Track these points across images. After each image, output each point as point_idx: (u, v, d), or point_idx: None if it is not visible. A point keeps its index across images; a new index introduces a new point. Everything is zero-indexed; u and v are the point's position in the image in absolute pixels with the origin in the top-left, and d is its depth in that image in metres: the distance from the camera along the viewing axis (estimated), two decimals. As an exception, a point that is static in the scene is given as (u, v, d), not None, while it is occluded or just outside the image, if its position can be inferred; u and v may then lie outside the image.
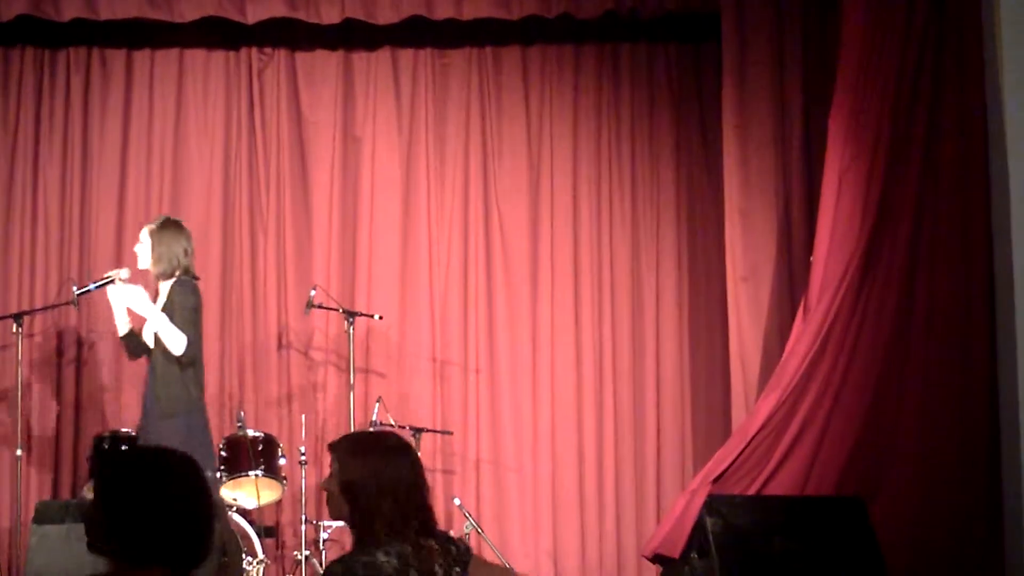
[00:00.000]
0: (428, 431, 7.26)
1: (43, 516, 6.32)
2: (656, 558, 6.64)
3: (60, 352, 7.69)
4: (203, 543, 2.60)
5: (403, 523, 3.33)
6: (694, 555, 6.35)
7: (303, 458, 7.08)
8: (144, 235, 6.53)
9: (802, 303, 6.81)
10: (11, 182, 7.77)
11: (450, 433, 7.53)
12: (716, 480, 6.54)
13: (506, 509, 7.67)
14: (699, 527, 6.32)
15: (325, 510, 7.47)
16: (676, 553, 6.48)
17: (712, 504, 6.27)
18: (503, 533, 7.60)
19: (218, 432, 7.42)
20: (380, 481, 3.34)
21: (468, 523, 6.86)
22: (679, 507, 6.61)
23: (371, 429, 6.74)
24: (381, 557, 3.26)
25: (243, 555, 6.62)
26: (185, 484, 2.60)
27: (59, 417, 7.63)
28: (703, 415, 7.70)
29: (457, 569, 3.42)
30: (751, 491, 6.51)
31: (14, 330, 6.95)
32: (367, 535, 3.34)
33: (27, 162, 7.79)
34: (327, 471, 7.61)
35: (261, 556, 6.80)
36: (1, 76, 7.80)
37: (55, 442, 7.61)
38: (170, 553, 2.55)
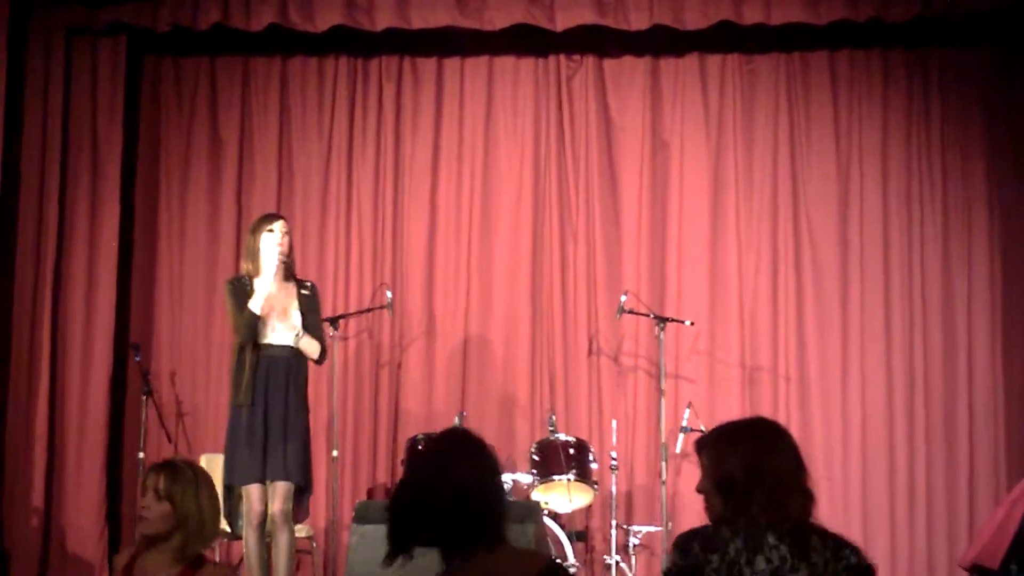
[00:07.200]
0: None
1: (363, 516, 6.40)
2: (974, 568, 6.53)
3: (374, 355, 7.80)
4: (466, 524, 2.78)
5: (780, 513, 2.94)
6: (1014, 567, 6.23)
7: (614, 463, 7.09)
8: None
9: None
10: (326, 188, 7.92)
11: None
12: (1039, 490, 6.42)
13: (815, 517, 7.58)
14: (1021, 538, 6.20)
15: (636, 515, 7.50)
16: (995, 564, 6.33)
17: (1035, 515, 6.16)
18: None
19: (530, 436, 7.50)
20: (756, 471, 2.95)
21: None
22: (999, 516, 6.44)
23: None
24: (726, 533, 2.91)
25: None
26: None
27: (374, 420, 7.75)
28: (1018, 423, 7.55)
29: None
30: (1081, 502, 6.37)
31: (331, 333, 7.06)
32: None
33: (341, 169, 7.93)
34: (639, 476, 7.58)
35: (572, 560, 6.85)
36: (316, 84, 7.96)
37: (370, 444, 7.74)
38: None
